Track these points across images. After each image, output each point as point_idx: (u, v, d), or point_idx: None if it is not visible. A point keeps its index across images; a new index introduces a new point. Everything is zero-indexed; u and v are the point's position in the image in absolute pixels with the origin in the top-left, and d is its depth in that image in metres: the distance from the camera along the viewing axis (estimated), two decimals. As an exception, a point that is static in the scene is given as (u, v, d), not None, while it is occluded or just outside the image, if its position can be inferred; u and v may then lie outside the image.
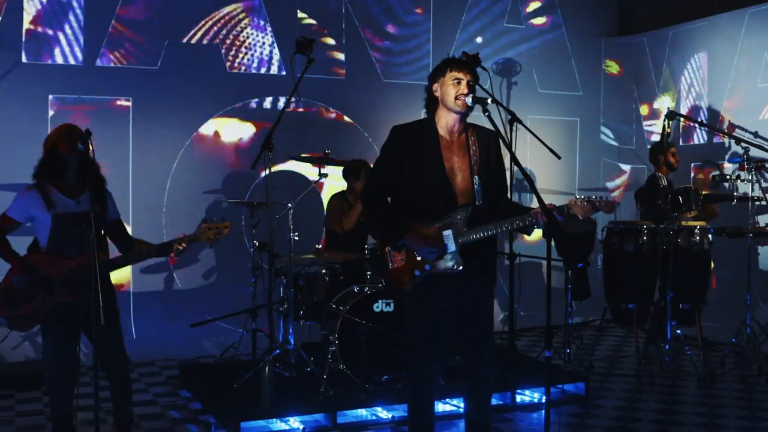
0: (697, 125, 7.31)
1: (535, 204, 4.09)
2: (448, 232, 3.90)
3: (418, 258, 3.93)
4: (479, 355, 4.04)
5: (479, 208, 3.92)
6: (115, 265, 4.51)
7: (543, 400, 5.73)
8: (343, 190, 6.96)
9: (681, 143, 8.45)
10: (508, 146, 3.96)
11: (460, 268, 3.89)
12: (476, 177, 3.95)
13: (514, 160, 3.94)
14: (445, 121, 4.01)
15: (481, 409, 4.11)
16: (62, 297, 4.32)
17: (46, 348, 4.45)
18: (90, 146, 4.17)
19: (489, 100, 3.91)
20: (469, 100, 3.89)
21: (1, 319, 4.45)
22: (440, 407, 5.36)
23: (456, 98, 3.90)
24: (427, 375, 4.00)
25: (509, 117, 4.03)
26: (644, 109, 9.24)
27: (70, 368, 4.43)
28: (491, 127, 3.98)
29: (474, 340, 4.05)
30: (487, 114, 3.87)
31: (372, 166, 4.26)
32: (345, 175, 6.92)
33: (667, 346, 6.52)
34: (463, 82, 3.93)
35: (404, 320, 4.13)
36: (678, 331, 6.74)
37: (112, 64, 7.26)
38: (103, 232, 4.56)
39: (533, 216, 3.80)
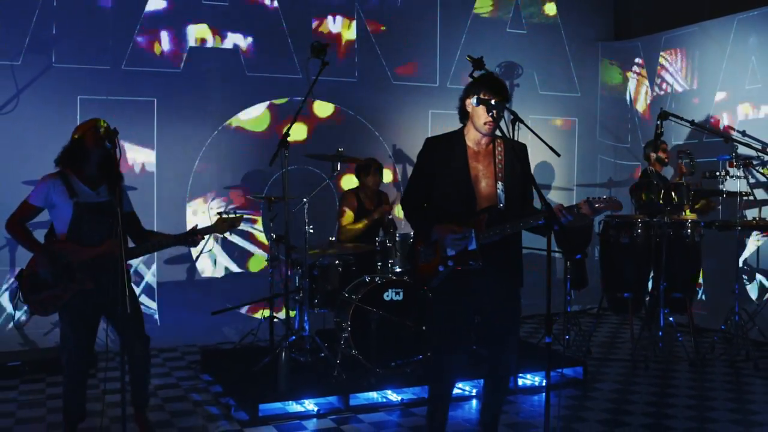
0: (688, 124, 7.24)
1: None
2: (470, 232, 3.90)
3: (443, 254, 3.93)
4: (499, 353, 4.08)
5: (501, 210, 3.93)
6: (135, 254, 4.45)
7: (543, 384, 5.71)
8: (356, 187, 6.94)
9: (673, 141, 8.40)
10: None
11: (480, 264, 3.89)
12: (500, 183, 3.97)
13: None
14: (474, 135, 4.05)
15: (495, 397, 4.19)
16: (83, 284, 4.24)
17: (64, 332, 4.35)
18: (116, 144, 4.16)
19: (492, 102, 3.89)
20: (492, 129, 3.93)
21: (25, 304, 4.34)
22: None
23: (485, 123, 3.93)
24: (447, 365, 4.03)
25: (512, 117, 4.02)
26: (640, 109, 9.18)
27: (85, 354, 4.36)
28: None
29: (495, 337, 4.08)
30: (490, 114, 3.86)
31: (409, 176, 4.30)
32: (357, 173, 6.89)
33: (660, 333, 6.50)
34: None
35: (429, 313, 4.15)
36: (671, 319, 6.73)
37: (137, 67, 7.25)
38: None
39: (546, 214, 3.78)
